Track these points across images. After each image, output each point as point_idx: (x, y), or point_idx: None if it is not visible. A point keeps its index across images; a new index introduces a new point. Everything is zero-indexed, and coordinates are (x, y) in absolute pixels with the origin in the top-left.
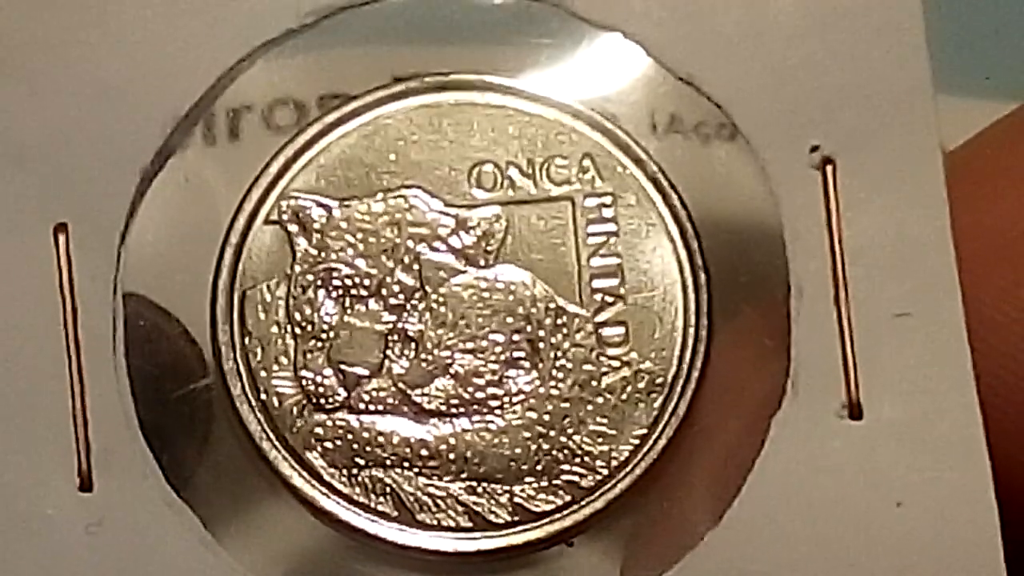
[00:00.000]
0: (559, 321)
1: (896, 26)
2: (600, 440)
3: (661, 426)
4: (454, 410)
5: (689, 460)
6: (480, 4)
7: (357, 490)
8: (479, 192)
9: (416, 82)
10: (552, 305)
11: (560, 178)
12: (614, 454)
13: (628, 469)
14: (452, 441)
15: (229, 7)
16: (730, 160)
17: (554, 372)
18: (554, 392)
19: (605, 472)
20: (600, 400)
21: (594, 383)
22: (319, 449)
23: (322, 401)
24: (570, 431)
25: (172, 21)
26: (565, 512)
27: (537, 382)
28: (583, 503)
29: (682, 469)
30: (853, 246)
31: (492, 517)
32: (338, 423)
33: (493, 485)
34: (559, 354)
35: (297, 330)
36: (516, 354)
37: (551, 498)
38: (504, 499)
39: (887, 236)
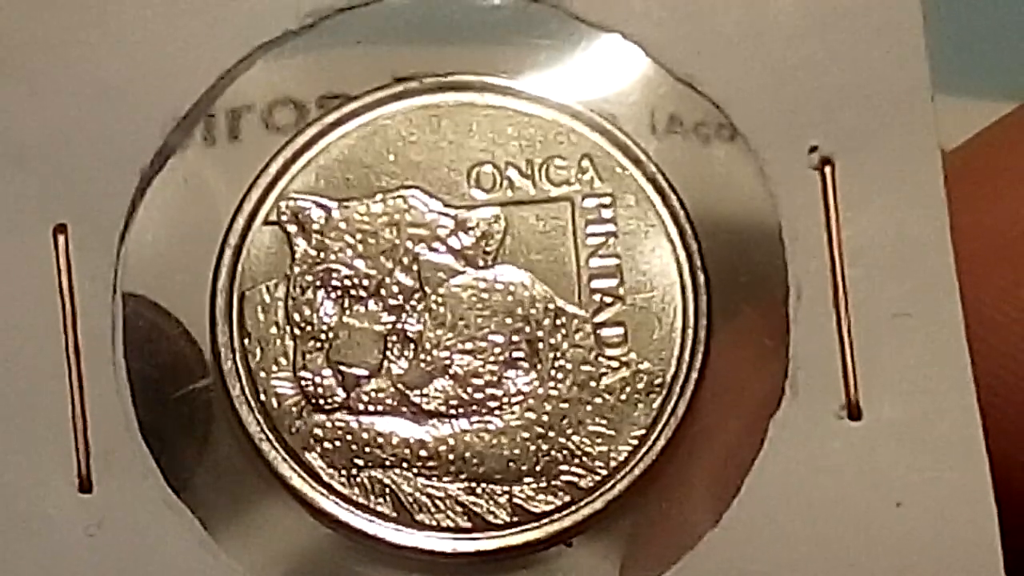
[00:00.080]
0: (558, 322)
1: (896, 26)
2: (599, 441)
3: (660, 427)
4: (453, 411)
5: (688, 460)
6: (479, 5)
7: (356, 491)
8: (478, 193)
9: (415, 83)
10: (551, 306)
11: (559, 179)
12: (613, 455)
13: (627, 470)
14: (451, 442)
15: (229, 7)
16: (729, 160)
17: (553, 373)
18: (553, 393)
19: (604, 473)
20: (599, 401)
21: (593, 384)
22: (318, 450)
23: (321, 402)
24: (569, 432)
25: (172, 21)
26: (564, 513)
27: (536, 383)
28: (582, 504)
29: (681, 470)
30: (852, 246)
31: (491, 518)
32: (337, 424)
33: (492, 486)
34: (558, 355)
35: (296, 331)
36: (515, 355)
37: (550, 499)
38: (503, 500)
39: (886, 236)
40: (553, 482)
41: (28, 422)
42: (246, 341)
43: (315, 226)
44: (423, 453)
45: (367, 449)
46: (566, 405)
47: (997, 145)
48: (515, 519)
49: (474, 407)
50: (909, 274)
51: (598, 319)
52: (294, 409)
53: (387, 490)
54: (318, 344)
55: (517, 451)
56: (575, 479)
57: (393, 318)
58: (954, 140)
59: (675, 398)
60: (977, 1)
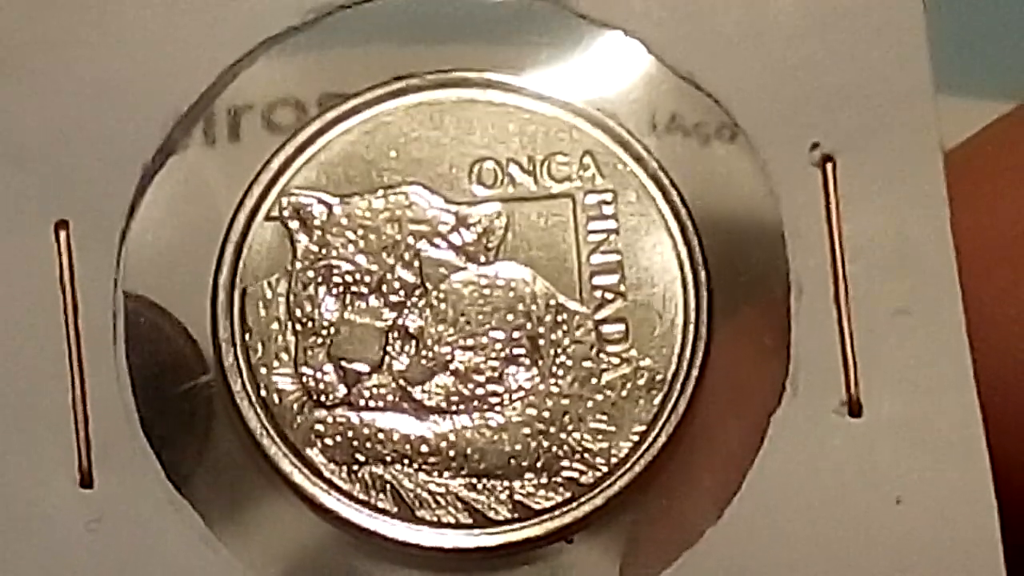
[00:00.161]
0: (559, 318)
1: (897, 25)
2: (600, 437)
3: (661, 423)
4: (454, 407)
5: (689, 457)
6: (481, 2)
7: (357, 486)
8: (479, 189)
9: (417, 79)
10: (552, 302)
11: (561, 175)
12: (614, 451)
13: (628, 466)
14: (452, 437)
15: (230, 6)
16: (730, 158)
17: (554, 369)
18: (554, 389)
19: (605, 469)
20: (600, 397)
21: (594, 380)
22: (319, 445)
23: (322, 397)
24: (570, 428)
25: (172, 20)
26: (565, 509)
27: (537, 379)
28: (583, 500)
29: (682, 466)
30: (853, 244)
31: (492, 514)
32: (338, 419)
33: (493, 482)
34: (559, 351)
35: (298, 326)
36: (516, 351)
37: (551, 495)
38: (504, 496)
39: (887, 234)
40: (554, 478)
41: (29, 418)
42: (247, 337)
43: (317, 222)
44: (424, 449)
45: (368, 445)
46: (567, 401)
47: (997, 145)
48: (516, 515)
49: (475, 403)
50: (910, 271)
51: (599, 315)
52: (295, 405)
53: (388, 486)
54: (319, 340)
55: (518, 447)
56: (576, 475)
57: (394, 314)
58: (954, 140)
59: (676, 395)
60: (977, 1)
